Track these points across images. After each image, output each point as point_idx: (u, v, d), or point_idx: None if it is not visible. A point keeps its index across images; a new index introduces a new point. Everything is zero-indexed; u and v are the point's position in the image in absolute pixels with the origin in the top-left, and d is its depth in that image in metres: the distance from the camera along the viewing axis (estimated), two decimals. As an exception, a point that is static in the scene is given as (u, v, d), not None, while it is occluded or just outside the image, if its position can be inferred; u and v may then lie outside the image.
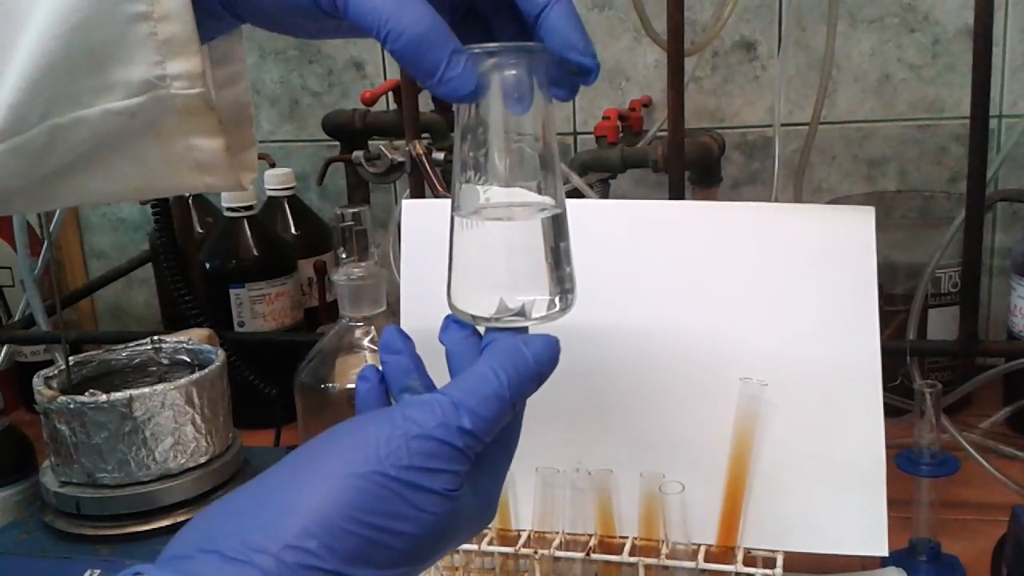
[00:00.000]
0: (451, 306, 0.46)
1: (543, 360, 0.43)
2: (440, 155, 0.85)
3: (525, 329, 0.44)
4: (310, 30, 0.45)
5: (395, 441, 0.40)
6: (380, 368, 0.45)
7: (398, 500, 0.39)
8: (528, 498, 0.67)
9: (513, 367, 0.42)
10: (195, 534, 0.40)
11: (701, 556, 0.63)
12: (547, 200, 0.44)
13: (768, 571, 0.61)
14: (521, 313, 0.44)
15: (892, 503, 0.64)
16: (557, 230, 0.45)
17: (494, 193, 0.44)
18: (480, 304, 0.44)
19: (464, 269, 0.45)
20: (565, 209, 0.45)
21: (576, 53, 0.44)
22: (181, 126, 0.44)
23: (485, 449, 0.42)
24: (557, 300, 0.45)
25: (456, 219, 0.45)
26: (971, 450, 0.81)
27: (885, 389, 0.65)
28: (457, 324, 0.46)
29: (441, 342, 0.45)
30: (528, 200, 0.44)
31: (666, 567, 0.63)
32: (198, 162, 0.45)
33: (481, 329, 0.45)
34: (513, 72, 0.42)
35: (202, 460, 0.74)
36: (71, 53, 0.40)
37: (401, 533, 0.39)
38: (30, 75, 0.40)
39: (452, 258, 0.46)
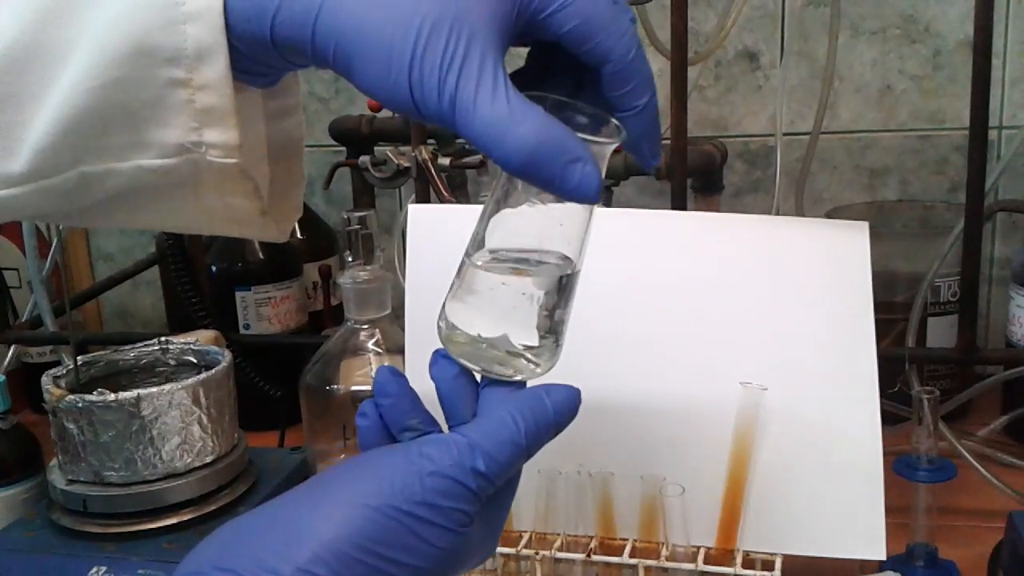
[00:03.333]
0: (443, 320, 0.45)
1: (563, 411, 0.44)
2: (446, 161, 0.86)
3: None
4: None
5: (410, 476, 0.40)
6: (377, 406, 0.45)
7: (408, 533, 0.40)
8: (530, 500, 0.67)
9: (532, 415, 0.43)
10: (210, 552, 0.41)
11: (701, 558, 0.64)
12: (570, 259, 0.44)
13: (767, 573, 0.62)
14: (511, 351, 0.44)
15: (890, 509, 0.65)
16: (570, 288, 0.45)
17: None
18: (471, 330, 0.44)
19: (468, 299, 0.45)
20: (581, 269, 0.45)
21: (647, 157, 0.45)
22: (217, 187, 0.43)
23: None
24: (545, 356, 0.45)
25: (473, 254, 0.45)
26: (969, 457, 0.82)
27: (884, 396, 0.66)
28: (447, 361, 0.45)
29: (432, 378, 0.45)
30: (549, 250, 0.44)
31: (665, 569, 0.64)
32: (234, 218, 0.45)
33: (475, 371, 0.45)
34: (605, 159, 0.42)
35: (208, 460, 0.75)
36: (106, 108, 0.39)
37: (408, 565, 0.40)
38: (61, 123, 0.39)
39: (461, 284, 0.45)
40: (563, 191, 0.38)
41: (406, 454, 0.42)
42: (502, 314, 0.44)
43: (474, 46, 0.37)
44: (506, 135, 0.37)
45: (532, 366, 0.45)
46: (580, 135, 0.39)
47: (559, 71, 0.44)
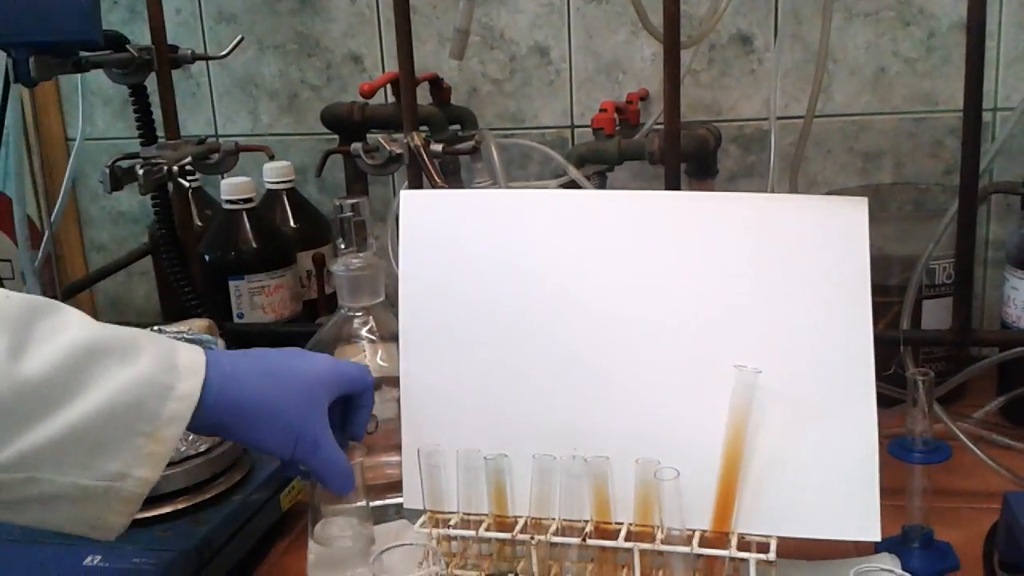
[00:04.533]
0: None
1: None
2: (438, 147, 0.86)
3: None
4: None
5: None
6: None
7: None
8: (525, 485, 0.67)
9: None
10: None
11: (696, 541, 0.63)
12: None
13: (762, 556, 0.62)
14: None
15: (885, 491, 0.65)
16: None
17: None
18: None
19: None
20: None
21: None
22: (106, 506, 0.55)
23: None
24: None
25: None
26: (964, 438, 0.82)
27: (879, 379, 0.65)
28: None
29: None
30: None
31: (661, 552, 0.64)
32: (97, 526, 0.57)
33: None
34: None
35: (202, 448, 0.75)
36: (86, 435, 0.53)
37: None
38: (49, 437, 0.52)
39: None
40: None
41: None
42: None
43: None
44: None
45: None
46: None
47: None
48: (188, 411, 0.56)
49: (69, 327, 0.55)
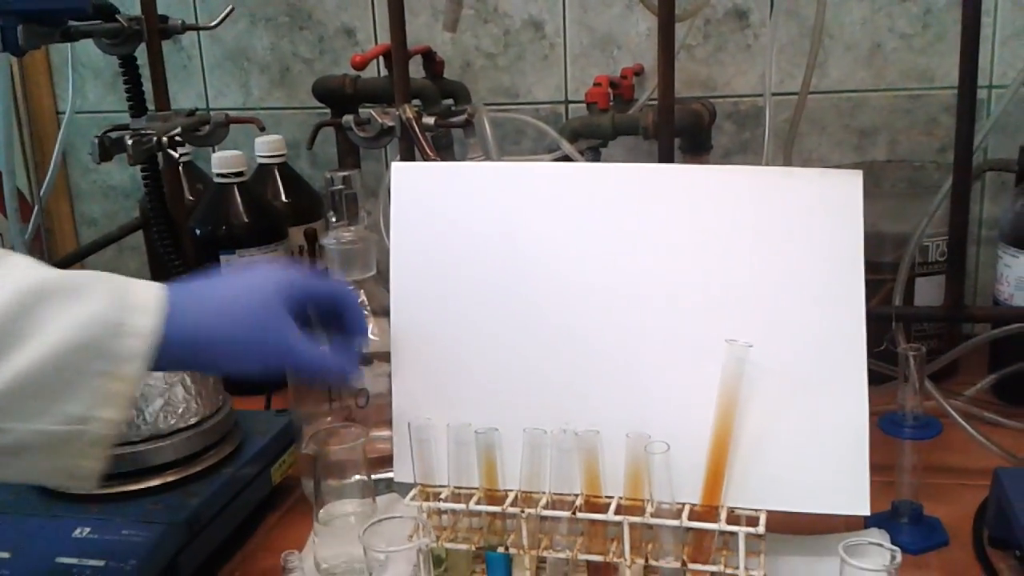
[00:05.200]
0: None
1: None
2: (430, 120, 0.85)
3: None
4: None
5: None
6: None
7: None
8: (515, 459, 0.67)
9: None
10: None
11: (685, 515, 0.63)
12: None
13: (751, 529, 0.62)
14: None
15: (875, 468, 0.65)
16: None
17: None
18: None
19: None
20: None
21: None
22: (78, 452, 0.54)
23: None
24: None
25: None
26: (955, 415, 0.82)
27: (871, 355, 0.65)
28: None
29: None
30: None
31: (650, 526, 0.64)
32: (73, 475, 0.56)
33: None
34: None
35: (192, 421, 0.74)
36: (40, 379, 0.52)
37: None
38: (4, 388, 0.51)
39: None
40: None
41: None
42: None
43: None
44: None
45: None
46: None
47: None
48: (146, 347, 0.55)
49: (14, 271, 0.54)
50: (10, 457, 0.53)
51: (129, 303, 0.56)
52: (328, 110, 1.09)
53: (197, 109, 1.10)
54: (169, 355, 0.56)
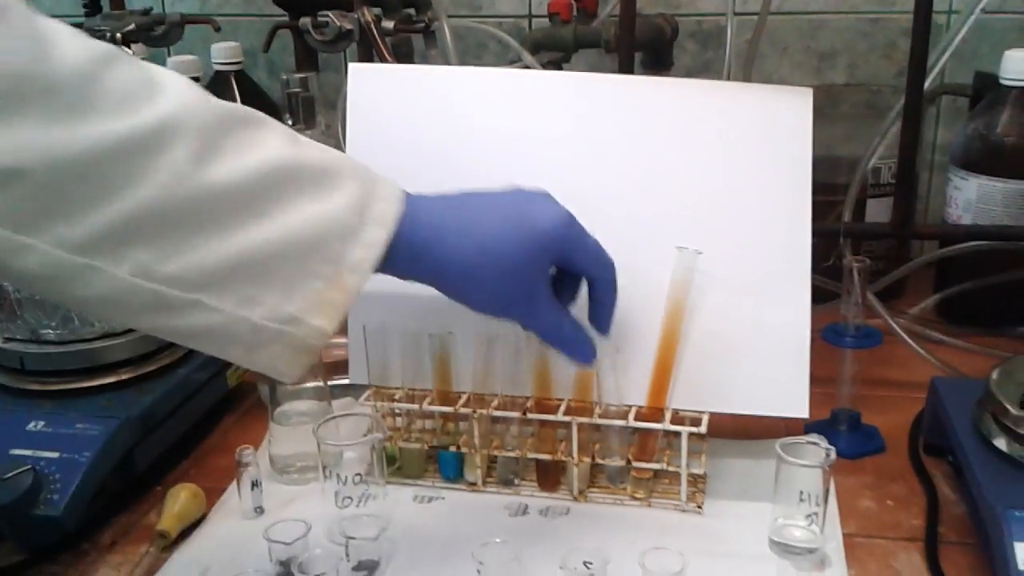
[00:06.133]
0: None
1: None
2: (390, 24, 0.84)
3: None
4: None
5: None
6: None
7: None
8: (468, 362, 0.68)
9: None
10: None
11: (632, 416, 0.65)
12: None
13: (694, 428, 0.64)
14: None
15: (818, 380, 0.67)
16: None
17: None
18: None
19: None
20: None
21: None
22: (278, 354, 0.52)
23: None
24: None
25: None
26: (898, 330, 0.84)
27: (819, 272, 0.67)
28: None
29: None
30: None
31: (598, 427, 0.66)
32: (275, 369, 0.53)
33: None
34: None
35: (146, 321, 0.74)
36: (259, 264, 0.49)
37: None
38: (228, 260, 0.49)
39: None
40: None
41: None
42: None
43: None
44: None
45: None
46: None
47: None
48: (373, 261, 0.52)
49: (266, 142, 0.51)
50: (215, 338, 0.51)
51: (370, 209, 0.53)
52: (286, 17, 1.07)
53: (152, 8, 1.07)
54: (393, 272, 0.55)
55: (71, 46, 0.47)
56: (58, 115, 0.45)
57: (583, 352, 0.61)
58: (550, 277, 0.60)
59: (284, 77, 0.76)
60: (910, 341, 0.83)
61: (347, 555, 0.59)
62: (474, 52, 1.14)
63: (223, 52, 1.09)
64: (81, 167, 0.45)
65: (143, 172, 0.46)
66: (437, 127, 0.71)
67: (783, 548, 0.60)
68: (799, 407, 0.66)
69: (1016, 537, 0.54)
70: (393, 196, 0.55)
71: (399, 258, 0.54)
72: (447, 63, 0.91)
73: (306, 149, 0.53)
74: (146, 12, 0.98)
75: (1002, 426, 0.62)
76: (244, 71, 1.12)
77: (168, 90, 0.49)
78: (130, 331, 0.74)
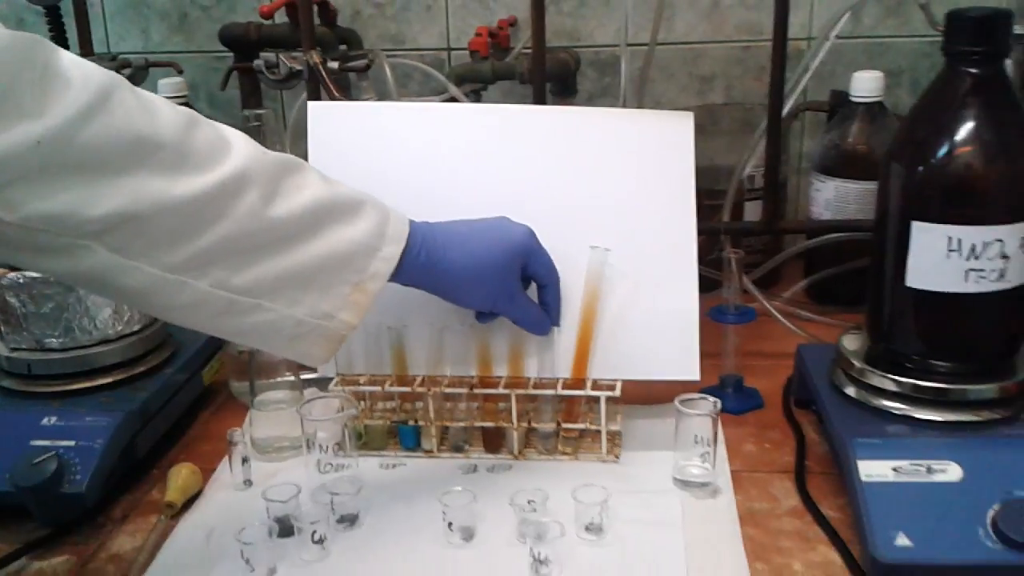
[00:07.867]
0: None
1: None
2: (334, 64, 0.96)
3: None
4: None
5: None
6: None
7: None
8: (422, 349, 0.81)
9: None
10: None
11: (559, 386, 0.80)
12: None
13: (610, 392, 0.78)
14: None
15: (707, 354, 0.82)
16: None
17: None
18: None
19: None
20: None
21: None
22: (314, 343, 0.67)
23: None
24: None
25: None
26: (773, 311, 1.00)
27: (705, 264, 0.82)
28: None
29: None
30: None
31: (532, 397, 0.80)
32: (305, 354, 0.68)
33: None
34: None
35: (136, 328, 0.85)
36: (307, 273, 0.64)
37: None
38: (285, 270, 0.63)
39: None
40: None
41: None
42: None
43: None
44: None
45: None
46: None
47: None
48: (388, 270, 0.68)
49: (310, 184, 0.66)
50: (264, 331, 0.64)
51: (386, 232, 0.68)
52: (229, 54, 1.18)
53: (104, 53, 1.17)
54: (403, 279, 0.71)
55: (168, 112, 0.60)
56: (163, 169, 0.57)
57: (544, 328, 0.79)
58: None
59: (245, 113, 0.88)
60: (780, 317, 1.00)
61: (332, 510, 0.72)
62: (400, 81, 1.27)
63: (170, 87, 1.19)
64: (181, 210, 0.58)
65: (225, 211, 0.60)
66: (389, 155, 0.83)
67: (683, 483, 0.75)
68: (691, 371, 0.81)
69: (860, 456, 0.69)
70: (402, 221, 0.71)
71: (409, 268, 0.70)
72: (383, 92, 1.04)
73: (336, 186, 0.68)
74: (113, 58, 1.08)
75: (850, 377, 0.78)
76: (190, 103, 1.22)
77: (236, 146, 0.63)
78: (122, 338, 0.84)
